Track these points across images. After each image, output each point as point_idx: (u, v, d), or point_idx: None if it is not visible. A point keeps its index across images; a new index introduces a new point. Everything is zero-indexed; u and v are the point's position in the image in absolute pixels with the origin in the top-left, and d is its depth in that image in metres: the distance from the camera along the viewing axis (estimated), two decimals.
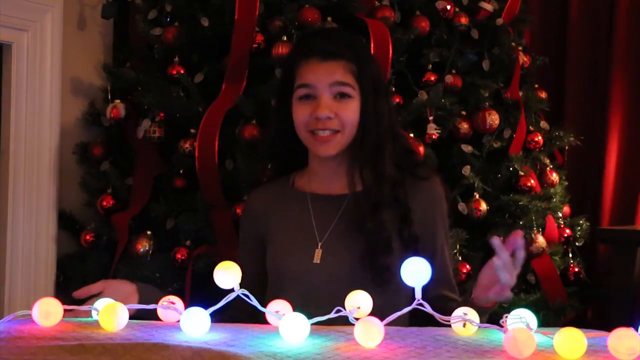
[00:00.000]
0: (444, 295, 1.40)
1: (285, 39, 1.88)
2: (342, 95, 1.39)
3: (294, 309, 1.38)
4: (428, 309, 1.02)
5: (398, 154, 1.45)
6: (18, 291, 2.15)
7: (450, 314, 1.25)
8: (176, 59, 2.01)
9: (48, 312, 1.03)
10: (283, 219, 1.47)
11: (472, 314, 1.06)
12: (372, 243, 1.37)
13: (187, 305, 1.72)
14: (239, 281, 1.08)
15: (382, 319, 1.37)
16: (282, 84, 1.50)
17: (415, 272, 1.04)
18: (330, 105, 1.38)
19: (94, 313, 1.11)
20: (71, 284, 2.17)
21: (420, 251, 1.39)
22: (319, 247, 1.41)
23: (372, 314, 1.36)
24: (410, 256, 1.37)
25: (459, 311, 1.07)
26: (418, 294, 1.03)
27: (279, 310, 1.11)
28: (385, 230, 1.37)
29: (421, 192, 1.43)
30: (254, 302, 1.06)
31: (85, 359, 0.86)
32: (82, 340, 0.93)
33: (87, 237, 2.07)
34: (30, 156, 2.14)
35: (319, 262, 1.40)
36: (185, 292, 1.86)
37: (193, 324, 1.03)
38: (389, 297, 1.38)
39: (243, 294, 1.07)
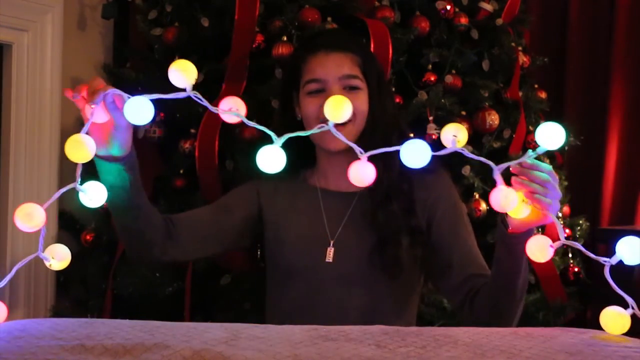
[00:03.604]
0: (472, 274, 1.37)
1: (285, 39, 1.88)
2: (352, 88, 1.41)
3: (303, 305, 1.39)
4: None
5: None
6: (19, 291, 2.15)
7: (481, 293, 1.30)
8: (176, 59, 2.01)
9: (29, 214, 1.02)
10: (292, 211, 1.47)
11: (462, 133, 1.03)
12: (383, 235, 1.39)
13: (188, 307, 1.75)
14: (193, 82, 1.01)
15: (395, 313, 1.40)
16: (286, 82, 1.51)
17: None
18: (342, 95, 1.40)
19: (81, 195, 1.09)
20: (71, 284, 2.18)
21: (439, 240, 1.41)
22: (331, 245, 1.42)
23: (385, 308, 1.38)
24: (422, 249, 1.39)
25: (449, 132, 1.03)
26: None
27: (231, 107, 1.02)
28: (396, 221, 1.39)
29: (428, 184, 1.44)
30: (205, 102, 1.00)
31: (85, 358, 0.86)
32: (82, 340, 0.93)
33: (87, 237, 2.07)
34: (30, 156, 2.15)
35: (331, 261, 1.40)
36: (185, 292, 1.86)
37: (137, 111, 1.00)
38: (400, 292, 1.39)
39: (195, 96, 1.00)
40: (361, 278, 1.39)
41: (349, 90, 1.41)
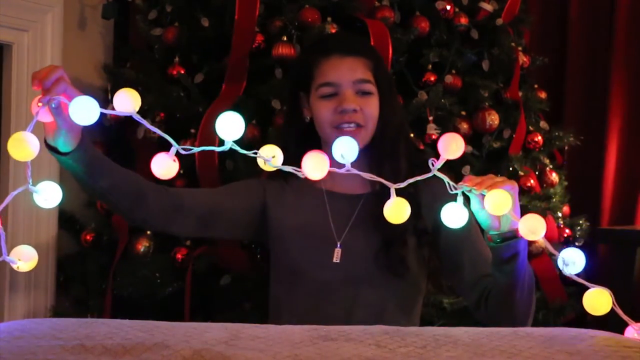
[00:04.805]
0: (484, 275, 1.38)
1: (285, 39, 1.88)
2: (364, 93, 1.42)
3: (310, 305, 1.40)
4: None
5: (410, 151, 1.47)
6: (19, 291, 2.15)
7: (493, 292, 1.33)
8: (176, 59, 2.02)
9: None
10: (299, 211, 1.47)
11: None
12: (389, 236, 1.40)
13: (188, 307, 1.74)
14: (137, 108, 1.05)
15: (402, 312, 1.40)
16: (294, 82, 1.51)
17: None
18: (355, 100, 1.40)
19: (35, 196, 1.09)
20: (71, 284, 2.18)
21: (448, 242, 1.43)
22: (339, 246, 1.42)
23: (392, 308, 1.38)
24: (429, 249, 1.40)
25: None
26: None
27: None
28: (402, 223, 1.39)
29: (434, 187, 1.44)
30: (145, 122, 1.06)
31: (85, 358, 0.86)
32: (82, 340, 0.93)
33: (87, 237, 2.07)
34: None
35: (338, 261, 1.41)
36: (185, 292, 1.86)
37: (82, 111, 1.01)
38: (406, 292, 1.40)
39: (138, 118, 1.05)
40: (368, 278, 1.40)
41: (361, 95, 1.41)
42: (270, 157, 1.07)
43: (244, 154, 1.08)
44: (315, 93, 1.43)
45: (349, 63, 1.42)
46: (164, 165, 1.05)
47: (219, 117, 1.03)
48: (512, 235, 1.23)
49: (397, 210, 1.09)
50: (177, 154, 1.06)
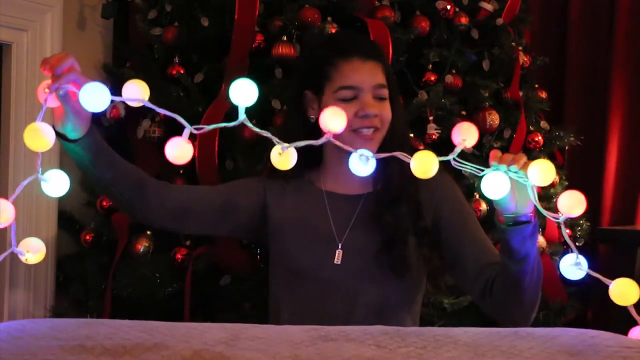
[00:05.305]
0: (487, 264, 1.38)
1: (285, 39, 1.88)
2: (381, 98, 1.43)
3: (311, 305, 1.40)
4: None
5: (412, 152, 1.48)
6: (19, 291, 2.15)
7: (498, 278, 1.32)
8: (176, 59, 2.01)
9: None
10: (299, 212, 1.47)
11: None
12: (390, 235, 1.41)
13: (188, 307, 1.75)
14: (147, 98, 1.09)
15: (402, 311, 1.41)
16: (302, 81, 1.50)
17: None
18: (375, 105, 1.42)
19: (43, 184, 1.10)
20: (71, 284, 2.17)
21: (450, 237, 1.43)
22: (340, 247, 1.42)
23: (393, 307, 1.37)
24: (429, 248, 1.40)
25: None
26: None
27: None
28: (403, 223, 1.41)
29: (432, 185, 1.45)
30: (154, 107, 1.08)
31: (85, 359, 0.86)
32: (82, 341, 0.93)
33: (87, 237, 2.07)
34: (30, 156, 2.14)
35: (339, 262, 1.41)
36: (185, 292, 1.86)
37: (93, 97, 1.02)
38: (406, 291, 1.41)
39: (148, 104, 1.08)
40: (369, 278, 1.40)
41: (378, 100, 1.42)
42: (285, 145, 1.06)
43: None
44: (333, 95, 1.42)
45: (370, 67, 1.42)
46: (179, 147, 1.05)
47: (233, 84, 1.03)
48: (526, 220, 1.22)
49: (424, 161, 1.06)
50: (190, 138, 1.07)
